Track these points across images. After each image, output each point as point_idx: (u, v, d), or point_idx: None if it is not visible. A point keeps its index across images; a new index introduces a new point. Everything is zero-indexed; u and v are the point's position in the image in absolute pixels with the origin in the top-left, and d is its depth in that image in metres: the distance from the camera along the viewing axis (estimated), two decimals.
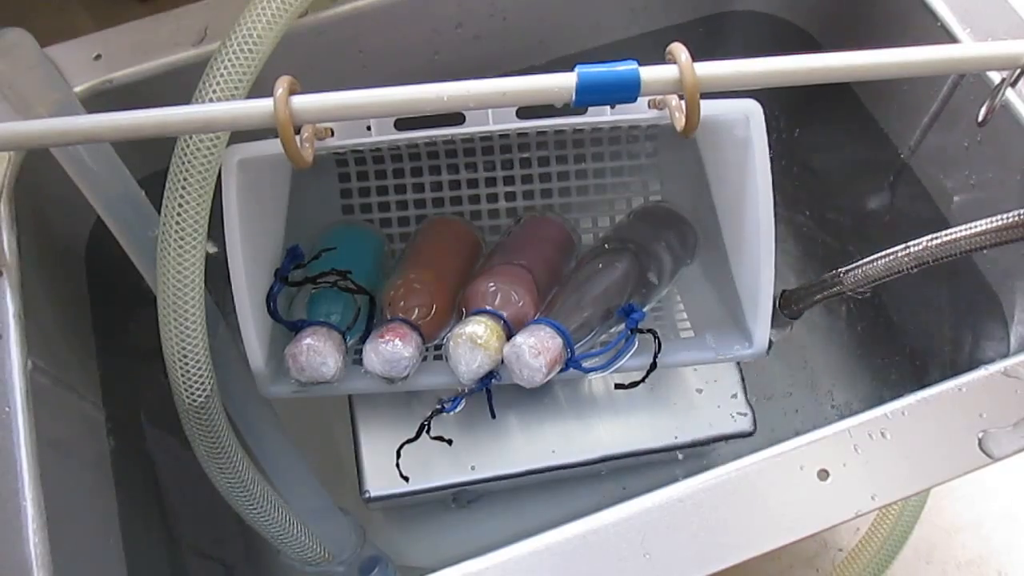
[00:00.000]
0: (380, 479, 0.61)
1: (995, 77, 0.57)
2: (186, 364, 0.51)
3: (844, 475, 0.46)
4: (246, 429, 0.58)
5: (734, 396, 0.65)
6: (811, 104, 0.77)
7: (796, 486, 0.46)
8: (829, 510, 0.45)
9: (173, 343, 0.50)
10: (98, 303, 0.63)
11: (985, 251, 0.49)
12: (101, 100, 0.58)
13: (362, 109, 0.41)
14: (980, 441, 0.47)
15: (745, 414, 0.64)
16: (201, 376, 0.51)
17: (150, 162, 0.60)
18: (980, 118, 0.50)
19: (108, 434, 0.59)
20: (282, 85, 0.40)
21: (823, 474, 0.46)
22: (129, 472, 0.60)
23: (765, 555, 0.44)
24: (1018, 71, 0.44)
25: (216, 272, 0.54)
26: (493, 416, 0.57)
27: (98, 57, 0.59)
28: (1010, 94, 0.56)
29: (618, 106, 0.53)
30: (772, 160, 0.52)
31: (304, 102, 0.40)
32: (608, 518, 0.44)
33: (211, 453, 0.53)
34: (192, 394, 0.51)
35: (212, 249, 0.52)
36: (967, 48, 0.42)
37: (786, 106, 0.75)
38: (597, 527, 0.44)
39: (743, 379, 0.66)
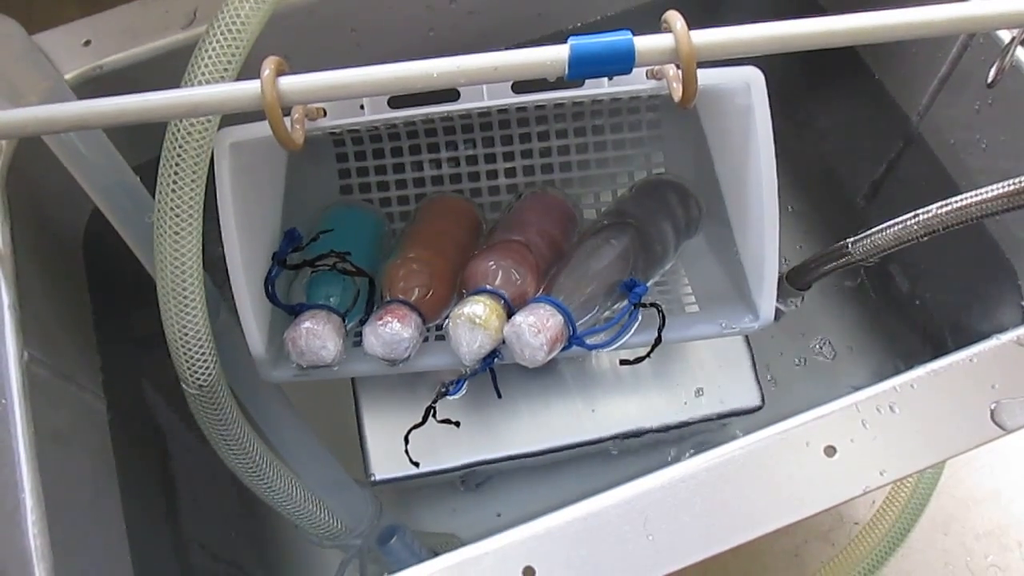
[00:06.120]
0: (386, 462, 0.61)
1: (1005, 37, 0.55)
2: (188, 346, 0.50)
3: (852, 451, 0.45)
4: (254, 408, 0.58)
5: (742, 370, 0.64)
6: (815, 70, 0.75)
7: (802, 463, 0.45)
8: (836, 487, 0.44)
9: (174, 326, 0.50)
10: (98, 292, 0.63)
11: (997, 217, 0.48)
12: (92, 86, 0.58)
13: (351, 88, 0.40)
14: (992, 412, 0.46)
15: (754, 388, 0.63)
16: (204, 357, 0.51)
17: (146, 149, 0.59)
18: (990, 79, 0.48)
19: (110, 424, 0.59)
20: (269, 66, 0.39)
21: (830, 450, 0.45)
22: (133, 462, 0.60)
23: (776, 531, 0.43)
24: None
25: (217, 257, 0.53)
26: (499, 396, 0.57)
27: (87, 43, 0.58)
28: (1020, 53, 0.54)
29: (616, 77, 0.52)
30: (775, 128, 0.51)
31: (291, 83, 0.39)
32: (609, 500, 0.44)
33: (221, 434, 0.54)
34: (196, 376, 0.51)
35: None
36: (975, 6, 0.40)
37: (789, 72, 0.73)
38: (598, 509, 0.43)
39: (752, 352, 0.65)
